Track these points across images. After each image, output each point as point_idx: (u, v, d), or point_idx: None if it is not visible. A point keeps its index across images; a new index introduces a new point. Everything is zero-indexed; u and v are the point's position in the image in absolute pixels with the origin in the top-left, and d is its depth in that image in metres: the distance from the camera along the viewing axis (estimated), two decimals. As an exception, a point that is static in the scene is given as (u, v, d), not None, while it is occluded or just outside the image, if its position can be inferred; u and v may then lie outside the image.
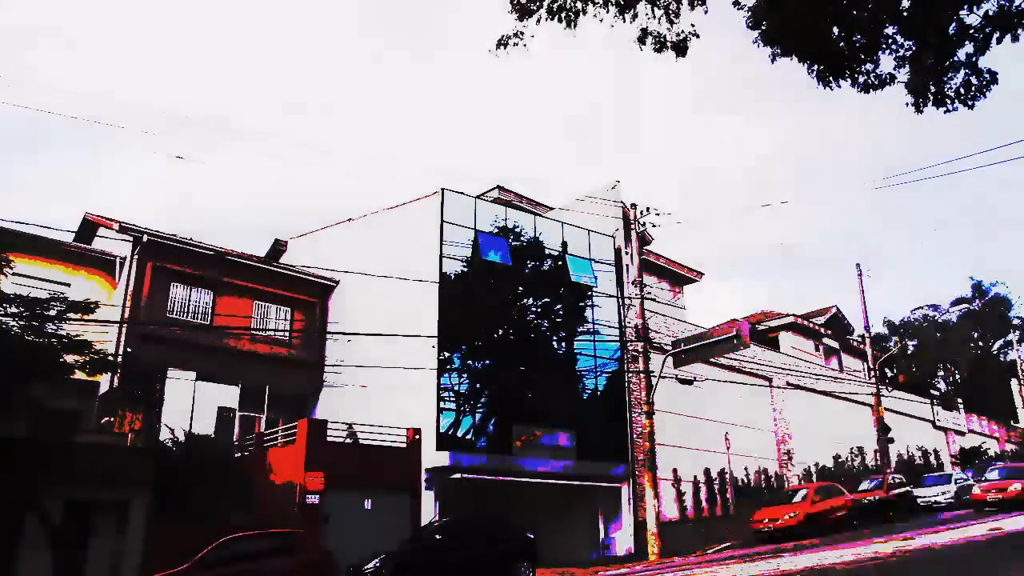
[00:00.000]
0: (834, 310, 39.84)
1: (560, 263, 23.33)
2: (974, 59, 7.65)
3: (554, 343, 23.25)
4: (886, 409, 30.64)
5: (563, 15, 7.38)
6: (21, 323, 13.69)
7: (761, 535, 20.41)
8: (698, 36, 7.76)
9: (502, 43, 7.63)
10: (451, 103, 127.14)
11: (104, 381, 19.46)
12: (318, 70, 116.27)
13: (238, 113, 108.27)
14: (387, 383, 18.88)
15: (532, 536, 16.69)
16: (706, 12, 7.59)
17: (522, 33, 7.57)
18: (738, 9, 7.68)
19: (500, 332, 22.03)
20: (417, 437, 19.35)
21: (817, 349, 38.07)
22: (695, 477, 24.89)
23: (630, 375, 22.80)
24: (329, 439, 18.31)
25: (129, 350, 19.31)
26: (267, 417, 22.42)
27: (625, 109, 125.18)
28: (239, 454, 20.49)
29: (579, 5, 7.37)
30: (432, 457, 19.15)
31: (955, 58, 7.72)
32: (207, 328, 21.16)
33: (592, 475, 21.91)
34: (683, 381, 21.79)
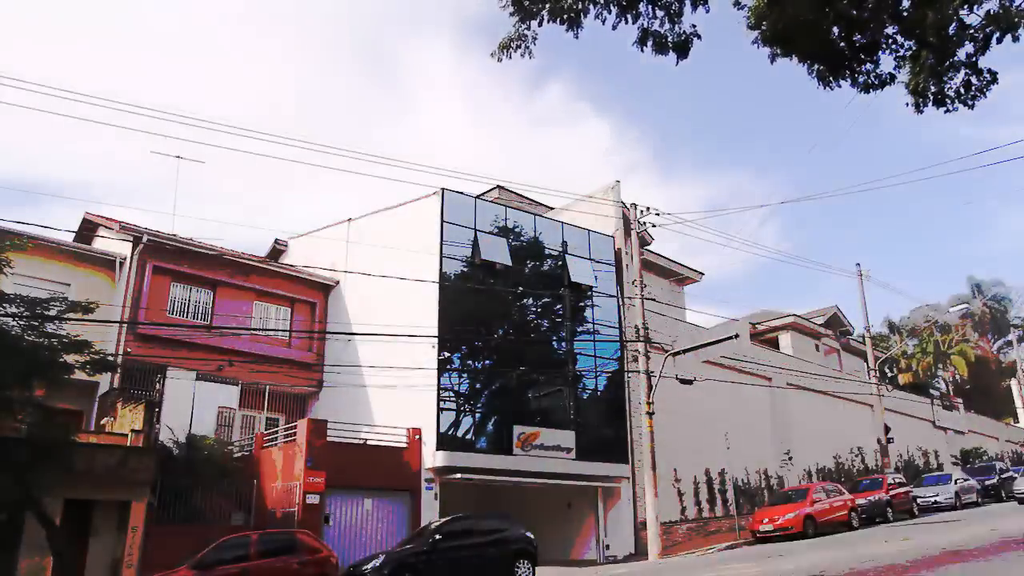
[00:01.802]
0: (834, 310, 39.84)
1: (560, 263, 23.33)
2: (974, 59, 7.65)
3: (554, 343, 23.26)
4: (886, 409, 30.65)
5: (565, 16, 7.35)
6: (21, 323, 13.68)
7: (761, 535, 20.42)
8: (699, 37, 7.75)
9: (504, 46, 7.61)
10: (451, 103, 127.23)
11: (104, 381, 19.46)
12: (315, 69, 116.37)
13: (239, 113, 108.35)
14: (387, 383, 18.88)
15: (532, 536, 16.70)
16: (707, 12, 7.58)
17: (524, 35, 7.54)
18: (738, 9, 7.68)
19: (500, 332, 22.03)
20: (417, 437, 19.37)
21: (817, 349, 38.07)
22: (695, 477, 24.89)
23: (630, 375, 22.79)
24: (329, 439, 18.32)
25: (129, 350, 19.32)
26: (267, 417, 22.43)
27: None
28: (239, 454, 20.50)
29: (580, 6, 7.34)
30: (432, 457, 19.16)
31: (955, 58, 7.72)
32: (207, 328, 21.16)
33: (592, 475, 21.91)
34: (683, 381, 21.76)
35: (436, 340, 19.66)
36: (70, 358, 14.04)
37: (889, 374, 48.83)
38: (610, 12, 7.43)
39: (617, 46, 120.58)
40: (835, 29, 7.66)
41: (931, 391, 48.79)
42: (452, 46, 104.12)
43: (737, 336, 20.03)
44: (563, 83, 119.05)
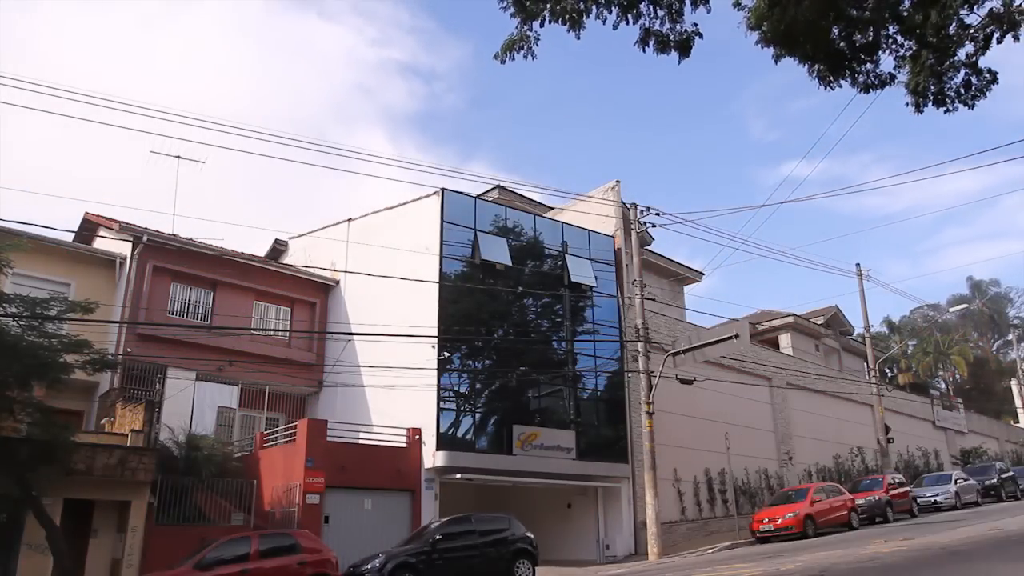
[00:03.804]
0: (834, 310, 39.85)
1: (560, 263, 23.33)
2: (974, 59, 7.66)
3: (554, 343, 23.25)
4: (886, 409, 30.64)
5: (566, 17, 7.35)
6: (21, 323, 13.66)
7: (761, 535, 20.42)
8: (701, 36, 7.76)
9: (507, 47, 7.61)
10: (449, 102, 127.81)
11: (104, 381, 19.45)
12: (311, 67, 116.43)
13: (239, 111, 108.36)
14: (387, 383, 18.88)
15: (532, 536, 16.70)
16: (708, 12, 7.59)
17: (527, 37, 7.54)
18: (738, 9, 7.68)
19: (500, 332, 22.02)
20: (417, 437, 19.36)
21: (817, 349, 38.08)
22: (695, 477, 24.88)
23: (630, 375, 22.79)
24: (329, 439, 18.31)
25: (129, 350, 19.30)
26: (267, 417, 22.42)
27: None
28: (239, 454, 20.49)
29: (582, 6, 7.35)
30: (432, 457, 19.15)
31: (955, 58, 7.73)
32: (207, 328, 21.15)
33: (592, 475, 21.91)
34: (683, 381, 21.75)
35: (436, 340, 19.65)
36: (70, 358, 14.02)
37: (889, 374, 48.85)
38: (611, 12, 7.44)
39: (523, 125, 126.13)
40: (835, 29, 7.67)
41: (931, 391, 48.80)
42: (387, 137, 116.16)
43: (737, 336, 20.00)
44: (485, 160, 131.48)
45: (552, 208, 26.95)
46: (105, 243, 22.13)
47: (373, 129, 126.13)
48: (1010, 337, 56.58)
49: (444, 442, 19.34)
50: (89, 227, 22.86)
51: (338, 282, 24.50)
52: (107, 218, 21.88)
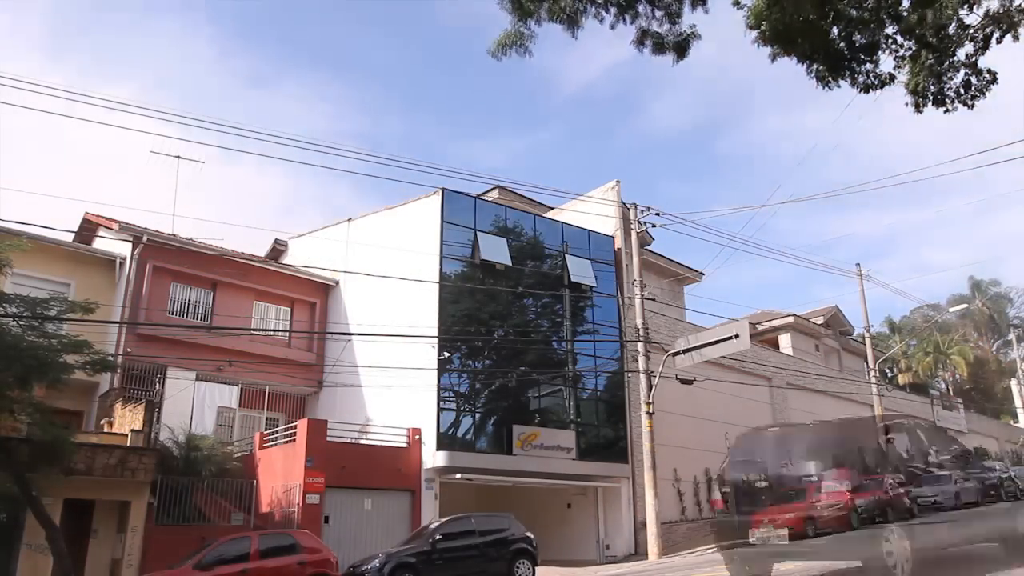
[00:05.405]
0: (834, 310, 39.82)
1: (560, 263, 23.32)
2: (974, 59, 7.65)
3: (554, 343, 23.24)
4: (886, 409, 30.61)
5: (563, 16, 7.33)
6: (21, 323, 13.65)
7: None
8: (699, 37, 7.74)
9: (502, 44, 7.59)
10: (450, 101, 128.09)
11: (104, 381, 19.44)
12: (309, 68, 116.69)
13: (240, 111, 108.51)
14: (387, 383, 18.88)
15: (532, 536, 16.69)
16: (707, 12, 7.57)
17: (522, 34, 7.52)
18: (738, 9, 7.67)
19: (500, 332, 22.02)
20: (417, 437, 19.37)
21: (817, 349, 38.05)
22: (695, 477, 24.86)
23: (630, 375, 22.78)
24: (329, 439, 18.32)
25: (129, 350, 19.30)
26: (267, 417, 22.42)
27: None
28: (239, 454, 20.50)
29: (579, 6, 7.32)
30: (432, 457, 19.15)
31: (955, 58, 7.72)
32: (207, 328, 21.14)
33: (592, 475, 21.90)
34: (683, 381, 21.74)
35: (436, 340, 19.65)
36: (70, 358, 14.01)
37: (889, 374, 48.80)
38: (608, 12, 7.42)
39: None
40: (835, 29, 7.65)
41: (931, 391, 48.74)
42: (352, 191, 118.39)
43: (737, 336, 19.98)
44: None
45: (552, 208, 26.94)
46: (105, 243, 22.12)
47: (338, 180, 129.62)
48: (1010, 337, 56.44)
49: (444, 442, 19.34)
50: (89, 227, 22.85)
51: (338, 282, 24.49)
52: (107, 218, 21.87)
